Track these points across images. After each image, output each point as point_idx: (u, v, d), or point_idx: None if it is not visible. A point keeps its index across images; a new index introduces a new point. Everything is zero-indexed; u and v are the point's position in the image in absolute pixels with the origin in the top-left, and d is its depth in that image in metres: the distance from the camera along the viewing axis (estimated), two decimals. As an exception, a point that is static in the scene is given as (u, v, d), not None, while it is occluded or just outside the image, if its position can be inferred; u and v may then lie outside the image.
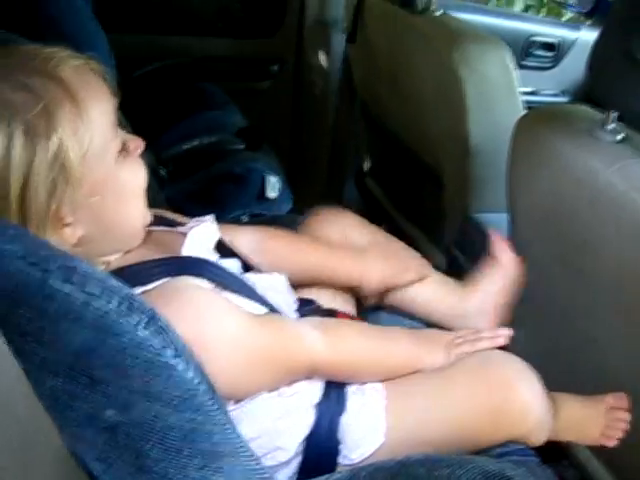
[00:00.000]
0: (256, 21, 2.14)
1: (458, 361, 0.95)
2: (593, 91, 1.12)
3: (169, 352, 0.57)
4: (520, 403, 0.92)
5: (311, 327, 0.87)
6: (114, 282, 0.56)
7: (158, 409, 0.57)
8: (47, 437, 0.58)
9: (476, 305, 1.20)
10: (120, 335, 0.54)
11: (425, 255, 1.83)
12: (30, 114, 0.68)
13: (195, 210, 1.59)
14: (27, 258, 0.51)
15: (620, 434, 1.07)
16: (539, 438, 0.97)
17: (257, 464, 0.67)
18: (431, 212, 1.83)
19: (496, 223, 1.59)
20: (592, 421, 1.08)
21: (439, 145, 1.68)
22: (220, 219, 1.57)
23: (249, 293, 0.86)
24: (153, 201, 0.90)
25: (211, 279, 0.81)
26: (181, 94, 2.04)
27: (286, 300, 0.95)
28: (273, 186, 1.62)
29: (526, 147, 1.26)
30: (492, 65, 1.56)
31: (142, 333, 0.55)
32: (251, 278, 0.91)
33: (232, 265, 0.91)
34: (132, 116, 1.53)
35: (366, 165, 2.18)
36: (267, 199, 1.61)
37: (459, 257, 1.65)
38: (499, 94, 1.57)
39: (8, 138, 0.67)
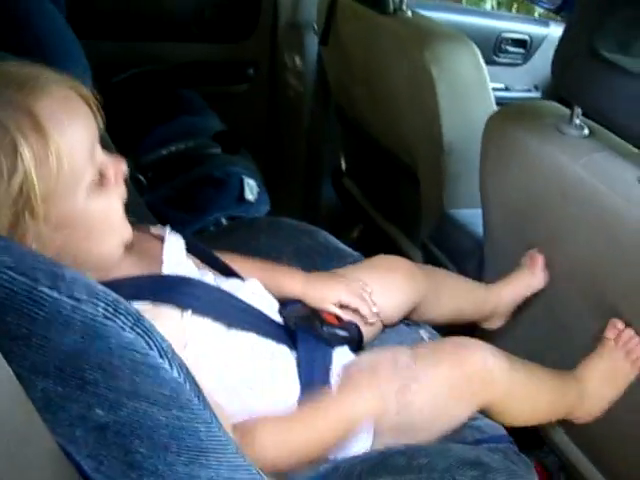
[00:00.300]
0: (230, 25, 2.16)
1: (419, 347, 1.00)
2: (559, 87, 1.16)
3: (154, 353, 0.60)
4: (479, 368, 0.97)
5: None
6: (100, 287, 0.58)
7: (146, 408, 0.60)
8: (40, 439, 0.61)
9: (502, 306, 1.30)
10: (107, 338, 0.57)
11: (403, 251, 1.88)
12: None
13: (176, 215, 1.62)
14: (16, 268, 0.54)
15: None
16: (513, 414, 1.02)
17: (244, 460, 0.70)
18: (408, 209, 1.86)
19: (471, 218, 1.64)
20: (614, 362, 1.12)
21: (414, 143, 1.72)
22: (200, 222, 1.60)
23: (227, 312, 0.88)
24: (133, 208, 0.92)
25: (188, 305, 0.82)
26: (158, 100, 2.06)
27: (267, 302, 0.97)
28: (251, 189, 1.65)
29: (496, 144, 1.30)
30: (463, 63, 1.60)
31: (128, 335, 0.58)
32: (229, 287, 0.93)
33: (208, 278, 0.93)
34: (110, 123, 1.55)
35: (343, 165, 2.22)
36: (246, 201, 1.64)
37: (435, 252, 1.69)
38: (471, 92, 1.61)
39: None
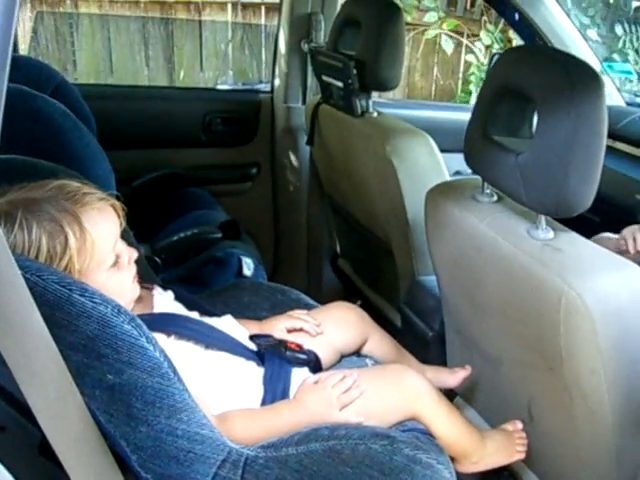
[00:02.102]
0: (234, 133, 2.68)
1: (366, 368, 1.38)
2: (468, 164, 1.57)
3: (143, 339, 1.01)
4: (411, 383, 1.34)
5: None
6: (109, 297, 1.01)
7: (138, 374, 1.01)
8: (74, 398, 1.01)
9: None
10: (114, 327, 0.98)
11: (385, 315, 2.28)
12: (54, 241, 1.12)
13: (186, 290, 2.05)
14: (59, 282, 0.96)
15: (525, 449, 1.50)
16: (440, 426, 1.36)
17: (208, 422, 1.10)
18: (388, 279, 2.26)
19: (435, 283, 2.03)
20: (507, 443, 1.49)
21: (386, 222, 2.14)
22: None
23: (207, 338, 1.29)
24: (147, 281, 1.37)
25: (173, 332, 1.24)
26: (174, 198, 2.55)
27: (239, 332, 1.38)
28: (249, 266, 2.08)
29: (433, 214, 1.70)
30: (419, 153, 2.03)
31: (127, 327, 1.00)
32: (209, 321, 1.35)
33: (194, 315, 1.36)
34: (133, 219, 2.00)
35: (338, 247, 2.65)
36: (244, 276, 2.07)
37: (409, 313, 2.08)
38: (427, 176, 2.02)
39: (37, 252, 1.11)
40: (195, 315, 1.36)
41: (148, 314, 1.26)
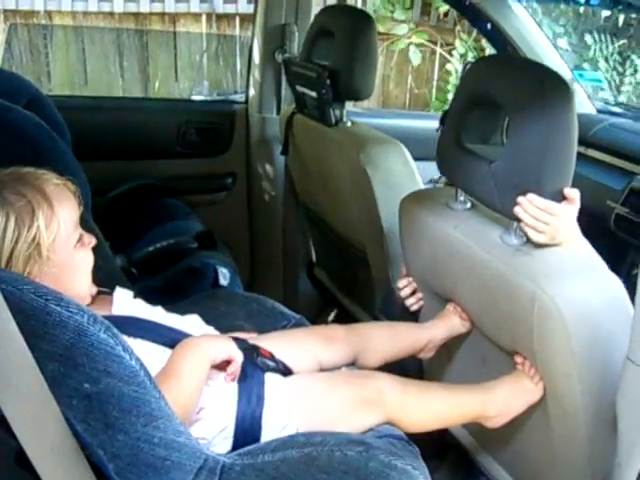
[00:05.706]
0: (209, 143, 2.69)
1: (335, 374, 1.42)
2: (442, 172, 1.60)
3: (119, 347, 1.02)
4: (372, 392, 1.36)
5: None
6: (84, 306, 1.01)
7: (115, 382, 1.01)
8: (51, 407, 1.01)
9: (434, 340, 1.66)
10: (90, 336, 0.99)
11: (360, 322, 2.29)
12: (21, 211, 1.17)
13: (162, 300, 2.06)
14: (35, 292, 0.97)
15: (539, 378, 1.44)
16: (409, 423, 1.38)
17: (185, 429, 1.11)
18: (364, 287, 2.28)
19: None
20: (521, 381, 1.45)
21: (361, 231, 2.16)
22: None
23: (158, 337, 1.28)
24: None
25: (126, 333, 1.21)
26: (149, 209, 2.55)
27: (203, 332, 1.39)
28: (225, 276, 2.09)
29: (408, 222, 1.73)
30: (393, 162, 2.05)
31: (102, 335, 1.00)
32: (173, 319, 1.37)
33: (159, 310, 1.39)
34: (109, 230, 2.00)
35: (313, 256, 2.67)
36: (220, 286, 2.08)
37: (384, 321, 2.09)
38: (402, 184, 2.04)
39: (5, 224, 1.16)
40: (159, 309, 1.38)
41: (110, 315, 1.26)
